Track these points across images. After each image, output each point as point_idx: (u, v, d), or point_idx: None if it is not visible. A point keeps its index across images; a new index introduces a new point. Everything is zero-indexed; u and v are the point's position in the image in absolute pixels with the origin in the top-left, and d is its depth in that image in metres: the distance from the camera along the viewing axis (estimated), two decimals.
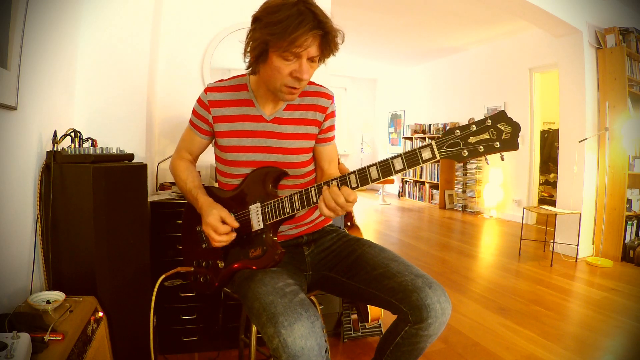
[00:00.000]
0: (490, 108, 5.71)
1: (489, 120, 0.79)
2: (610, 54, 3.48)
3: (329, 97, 1.18)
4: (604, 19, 3.66)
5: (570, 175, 3.59)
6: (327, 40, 0.96)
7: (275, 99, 1.11)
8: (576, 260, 3.41)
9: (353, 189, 0.90)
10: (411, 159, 0.84)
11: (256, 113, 1.13)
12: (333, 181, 0.92)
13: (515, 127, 0.78)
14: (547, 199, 5.61)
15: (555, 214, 3.36)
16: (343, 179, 0.91)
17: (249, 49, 1.00)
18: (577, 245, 3.40)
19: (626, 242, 3.45)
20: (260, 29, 0.94)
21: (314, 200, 0.96)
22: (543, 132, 5.52)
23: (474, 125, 0.80)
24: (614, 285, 2.83)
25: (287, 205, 1.00)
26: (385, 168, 0.87)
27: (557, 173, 4.01)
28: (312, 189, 0.96)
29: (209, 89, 1.14)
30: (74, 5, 1.60)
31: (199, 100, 1.15)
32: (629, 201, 3.50)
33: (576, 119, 3.57)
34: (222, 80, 1.18)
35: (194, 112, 1.16)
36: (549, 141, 5.76)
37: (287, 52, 0.94)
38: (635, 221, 3.55)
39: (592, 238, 3.63)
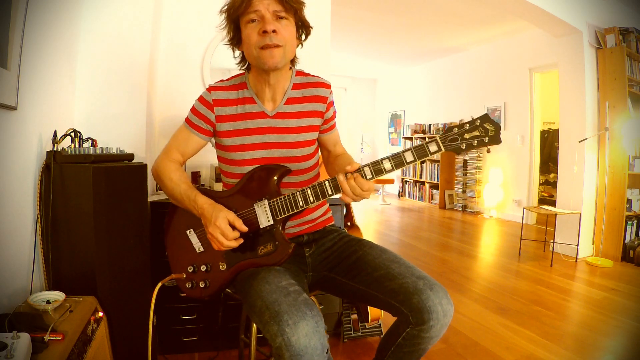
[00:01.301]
0: (490, 108, 5.71)
1: (478, 121, 0.96)
2: (610, 54, 3.48)
3: (327, 86, 1.20)
4: (604, 19, 3.66)
5: (570, 175, 3.59)
6: None
7: (275, 92, 1.13)
8: (576, 260, 3.41)
9: (368, 179, 0.96)
10: (420, 151, 0.95)
11: (258, 110, 1.13)
12: (349, 174, 0.96)
13: (497, 126, 0.95)
14: (547, 199, 5.61)
15: (555, 214, 3.36)
16: (357, 172, 0.95)
17: (228, 39, 1.10)
18: (577, 245, 3.40)
19: (626, 242, 3.45)
20: (226, 16, 1.07)
21: (329, 193, 0.98)
22: (543, 132, 5.52)
23: (467, 125, 0.97)
24: (614, 285, 2.83)
25: (299, 198, 1.00)
26: (398, 160, 0.96)
27: (557, 173, 4.01)
28: (327, 181, 0.98)
29: (212, 88, 1.14)
30: (73, 6, 1.60)
31: (201, 99, 1.14)
32: (629, 201, 3.50)
33: (576, 119, 3.57)
34: (222, 80, 1.18)
35: (194, 111, 1.15)
36: (549, 141, 5.76)
37: (247, 15, 1.01)
38: (635, 221, 3.55)
39: (592, 238, 3.63)
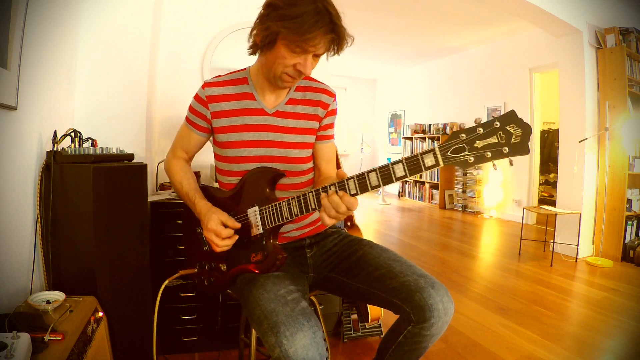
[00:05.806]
0: (490, 108, 5.71)
1: (497, 122, 0.73)
2: (610, 54, 3.48)
3: (331, 94, 1.19)
4: (604, 19, 3.66)
5: (570, 175, 3.59)
6: (337, 43, 0.99)
7: (276, 90, 1.12)
8: (576, 260, 3.41)
9: (352, 195, 0.88)
10: (413, 165, 0.80)
11: (257, 106, 1.12)
12: (332, 187, 0.90)
13: (526, 130, 0.71)
14: (547, 199, 5.61)
15: (555, 214, 3.36)
16: (342, 185, 0.89)
17: (256, 33, 1.01)
18: (577, 245, 3.40)
19: (626, 242, 3.45)
20: (275, 19, 0.94)
21: (312, 206, 0.94)
22: (543, 132, 5.52)
23: (480, 128, 0.73)
24: (614, 285, 2.83)
25: (285, 210, 0.98)
26: (386, 174, 0.84)
27: (557, 173, 4.01)
28: (310, 194, 0.94)
29: (206, 84, 1.13)
30: (74, 6, 1.60)
31: (196, 97, 1.13)
32: (629, 201, 3.50)
33: (576, 119, 3.57)
34: (219, 75, 1.16)
35: (191, 108, 1.15)
36: (549, 141, 5.76)
37: (296, 46, 0.95)
38: (635, 221, 3.55)
39: (592, 238, 3.63)
